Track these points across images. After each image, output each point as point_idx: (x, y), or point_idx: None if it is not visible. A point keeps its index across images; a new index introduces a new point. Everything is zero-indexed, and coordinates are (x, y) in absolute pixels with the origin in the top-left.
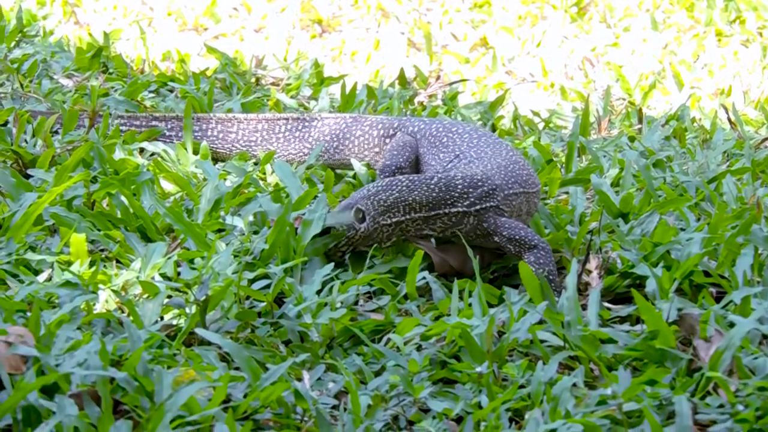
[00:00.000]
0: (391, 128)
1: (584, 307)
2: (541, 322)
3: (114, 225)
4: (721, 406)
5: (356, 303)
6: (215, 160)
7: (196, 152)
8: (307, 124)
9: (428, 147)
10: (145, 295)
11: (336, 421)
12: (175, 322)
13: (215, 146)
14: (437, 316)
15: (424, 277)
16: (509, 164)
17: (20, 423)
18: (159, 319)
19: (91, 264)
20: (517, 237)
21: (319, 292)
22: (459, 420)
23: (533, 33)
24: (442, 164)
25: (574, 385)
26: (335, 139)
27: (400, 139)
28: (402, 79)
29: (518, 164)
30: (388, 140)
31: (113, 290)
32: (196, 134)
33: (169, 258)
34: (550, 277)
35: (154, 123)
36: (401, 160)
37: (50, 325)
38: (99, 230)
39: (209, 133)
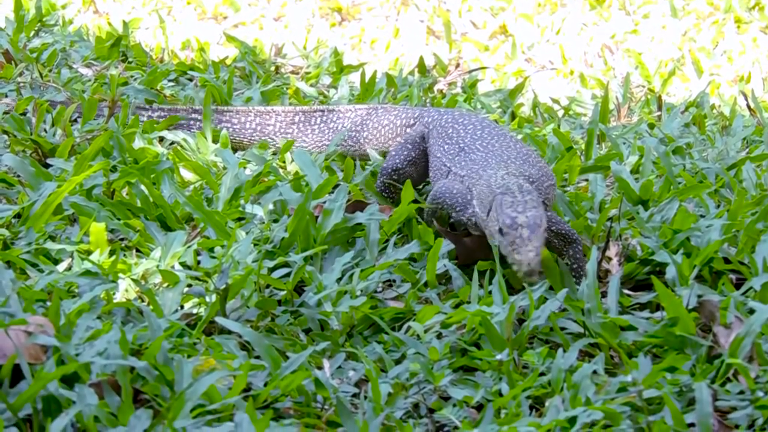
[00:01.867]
0: (412, 118)
1: (604, 295)
2: (561, 309)
3: (134, 214)
4: (741, 392)
5: (376, 291)
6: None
7: (215, 141)
8: (341, 115)
9: (436, 138)
10: (165, 284)
11: (356, 409)
12: (195, 310)
13: (253, 138)
14: (457, 304)
15: (444, 265)
16: (532, 156)
17: (40, 413)
18: (179, 308)
19: (111, 253)
20: (562, 231)
21: (339, 280)
22: (479, 407)
23: (552, 20)
24: (447, 156)
25: (595, 372)
26: (363, 128)
27: (405, 137)
28: (421, 67)
29: (536, 156)
30: (408, 130)
31: (133, 279)
32: (234, 126)
33: (189, 247)
34: (581, 272)
35: (194, 116)
36: (398, 161)
37: (70, 314)
38: (119, 219)
39: (247, 126)
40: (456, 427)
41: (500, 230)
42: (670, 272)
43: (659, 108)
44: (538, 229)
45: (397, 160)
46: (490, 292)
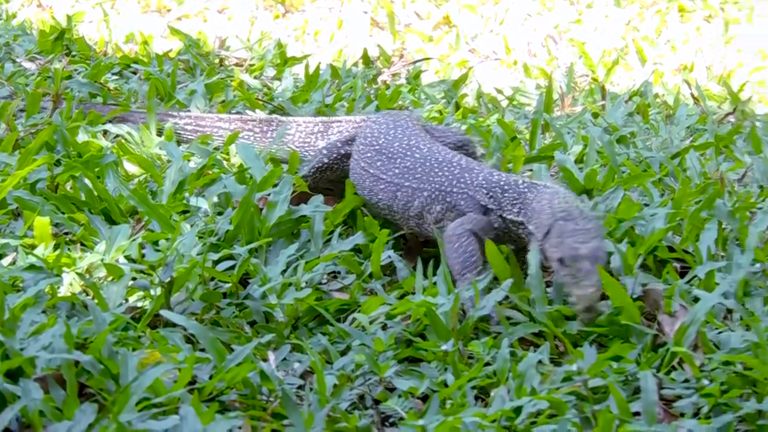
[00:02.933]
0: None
1: (548, 285)
2: (506, 299)
3: (78, 208)
4: (687, 381)
5: (321, 282)
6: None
7: (159, 134)
8: (355, 125)
9: (359, 146)
10: (110, 278)
11: (302, 401)
12: (139, 304)
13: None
14: (402, 295)
15: (389, 256)
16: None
17: None
18: (124, 301)
19: (56, 247)
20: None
21: (283, 273)
22: (425, 398)
23: (496, 11)
24: (361, 155)
25: (540, 362)
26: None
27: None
28: (365, 58)
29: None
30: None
31: (78, 273)
32: (256, 136)
33: (133, 240)
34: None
35: (218, 124)
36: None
37: (14, 308)
38: (63, 213)
39: (268, 135)
40: (401, 418)
41: (560, 260)
42: (615, 261)
43: (603, 97)
44: (599, 261)
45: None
46: (434, 283)
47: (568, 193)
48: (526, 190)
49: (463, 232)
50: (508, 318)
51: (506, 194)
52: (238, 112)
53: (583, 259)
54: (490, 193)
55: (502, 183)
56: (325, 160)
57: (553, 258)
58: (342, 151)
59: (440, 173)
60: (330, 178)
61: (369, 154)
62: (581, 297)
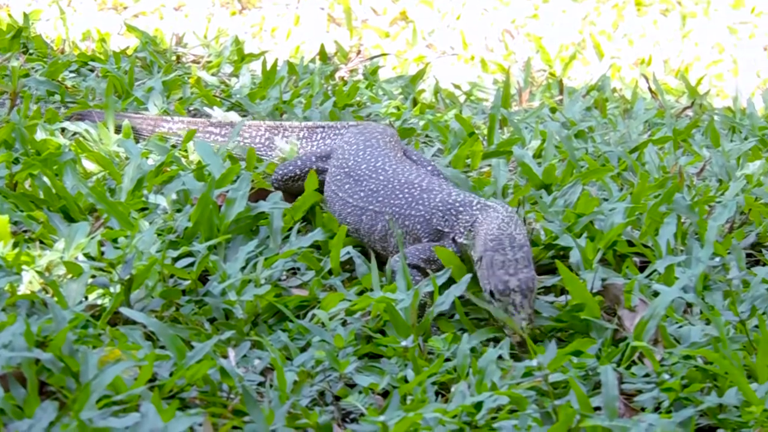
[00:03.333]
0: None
1: None
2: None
3: (37, 206)
4: (647, 375)
5: (280, 279)
6: None
7: (118, 131)
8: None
9: (331, 168)
10: (69, 276)
11: (262, 397)
12: (99, 301)
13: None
14: (361, 291)
15: (348, 252)
16: None
17: None
18: (83, 299)
19: (15, 245)
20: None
21: (243, 269)
22: (385, 394)
23: (453, 6)
24: (332, 177)
25: (500, 357)
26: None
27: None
28: (323, 54)
29: None
30: None
31: (37, 271)
32: (246, 140)
33: (92, 238)
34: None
35: (210, 129)
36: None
37: None
38: (22, 211)
39: (257, 140)
40: (362, 414)
41: (491, 293)
42: (574, 256)
43: (561, 92)
44: (531, 293)
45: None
46: (393, 279)
47: (508, 215)
48: (477, 212)
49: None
50: (467, 314)
51: (460, 216)
52: (195, 109)
53: (513, 292)
54: (446, 216)
55: (457, 204)
56: (297, 171)
57: (485, 289)
58: (314, 166)
59: (401, 195)
60: (299, 188)
61: (339, 177)
62: (513, 329)
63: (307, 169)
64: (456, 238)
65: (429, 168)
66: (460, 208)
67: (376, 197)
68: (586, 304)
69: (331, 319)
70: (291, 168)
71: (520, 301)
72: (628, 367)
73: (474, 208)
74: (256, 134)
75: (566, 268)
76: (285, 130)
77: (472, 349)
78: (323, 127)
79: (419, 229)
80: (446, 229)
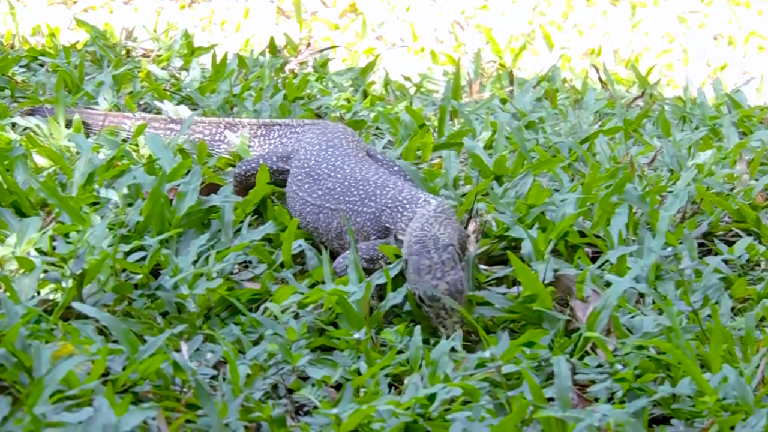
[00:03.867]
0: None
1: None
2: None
3: None
4: (600, 365)
5: (232, 272)
6: None
7: (68, 126)
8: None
9: (293, 170)
10: (21, 271)
11: (215, 391)
12: (51, 296)
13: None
14: (313, 284)
15: (299, 245)
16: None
17: None
18: (35, 294)
19: None
20: None
21: (195, 263)
22: (338, 387)
23: None
24: (293, 178)
25: (453, 349)
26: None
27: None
28: (272, 47)
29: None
30: None
31: None
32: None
33: (44, 233)
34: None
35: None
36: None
37: None
38: None
39: (217, 138)
40: (315, 407)
41: (420, 299)
42: (526, 247)
43: (511, 83)
44: (460, 296)
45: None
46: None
47: (435, 213)
48: (419, 208)
49: (344, 267)
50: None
51: (404, 213)
52: (146, 103)
53: (442, 296)
54: (392, 213)
55: (405, 201)
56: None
57: (414, 294)
58: (275, 167)
59: (355, 192)
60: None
61: (299, 177)
62: (446, 332)
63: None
64: (398, 236)
65: (395, 169)
66: (406, 205)
67: (332, 195)
68: (538, 295)
69: (283, 312)
70: (253, 166)
71: (450, 304)
72: (581, 358)
73: (418, 204)
74: (216, 131)
75: (518, 259)
76: (243, 126)
77: (425, 341)
78: (280, 125)
79: (369, 227)
80: (391, 226)
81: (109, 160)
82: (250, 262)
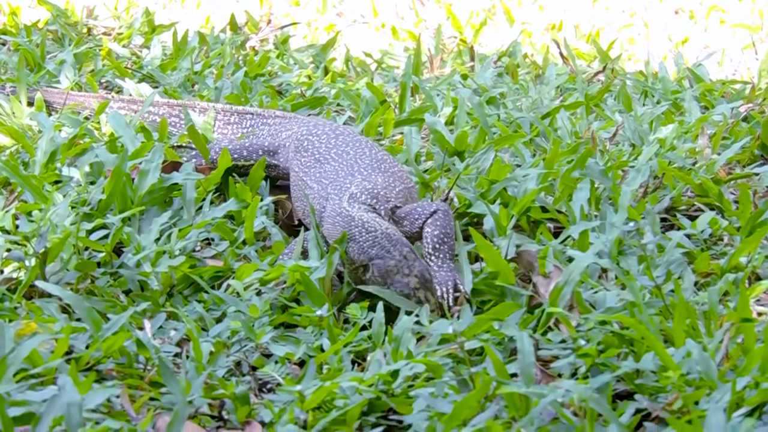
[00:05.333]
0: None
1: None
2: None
3: None
4: (563, 341)
5: (195, 250)
6: None
7: (30, 104)
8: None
9: (294, 152)
10: None
11: (179, 368)
12: (14, 275)
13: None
14: (275, 261)
15: (261, 223)
16: (384, 162)
17: None
18: None
19: None
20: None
21: (157, 241)
22: (302, 364)
23: None
24: (303, 169)
25: (418, 322)
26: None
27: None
28: (233, 24)
29: (389, 161)
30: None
31: None
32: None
33: (6, 211)
34: None
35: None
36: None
37: None
38: None
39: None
40: (279, 384)
41: (404, 294)
42: (488, 223)
43: (472, 59)
44: (430, 283)
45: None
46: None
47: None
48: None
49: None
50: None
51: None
52: (107, 82)
53: (417, 290)
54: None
55: (375, 191)
56: (241, 160)
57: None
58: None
59: (332, 175)
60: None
61: (308, 164)
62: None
63: (252, 160)
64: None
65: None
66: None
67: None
68: (501, 271)
69: (245, 289)
70: (236, 156)
71: (425, 294)
72: (543, 334)
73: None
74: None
75: (480, 235)
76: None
77: (387, 318)
78: (252, 114)
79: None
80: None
81: (71, 138)
82: (213, 239)
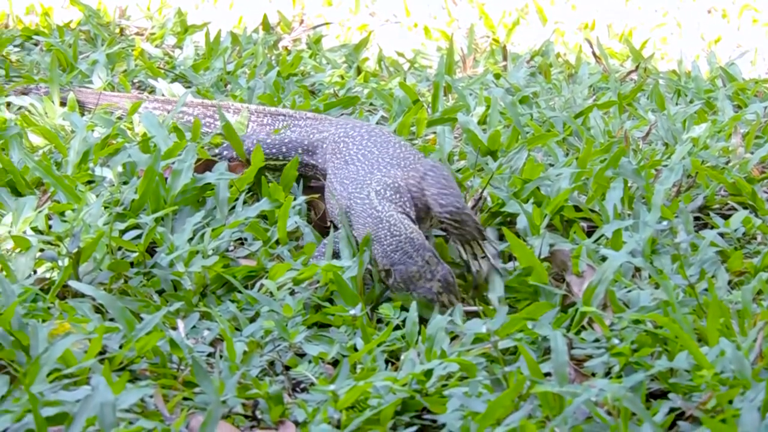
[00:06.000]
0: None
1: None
2: None
3: None
4: (597, 340)
5: (228, 250)
6: None
7: (62, 104)
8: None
9: (330, 153)
10: (17, 250)
11: (212, 368)
12: (48, 275)
13: None
14: (308, 260)
15: (295, 222)
16: (407, 159)
17: None
18: (32, 272)
19: None
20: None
21: (190, 240)
22: (335, 363)
23: None
24: (333, 171)
25: (452, 321)
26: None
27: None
28: (265, 24)
29: (413, 157)
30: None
31: None
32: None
33: (39, 211)
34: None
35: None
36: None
37: None
38: None
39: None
40: (312, 384)
41: (428, 299)
42: (521, 222)
43: (504, 58)
44: (454, 286)
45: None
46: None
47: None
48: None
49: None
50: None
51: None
52: (140, 82)
53: (440, 295)
54: (379, 196)
55: (396, 185)
56: (279, 156)
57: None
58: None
59: (353, 175)
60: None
61: (338, 166)
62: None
63: (290, 156)
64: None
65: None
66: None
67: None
68: (534, 269)
69: (279, 288)
70: (274, 151)
71: (449, 298)
72: (577, 333)
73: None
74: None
75: (513, 234)
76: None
77: (421, 317)
78: (284, 116)
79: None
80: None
81: (103, 138)
82: (246, 239)
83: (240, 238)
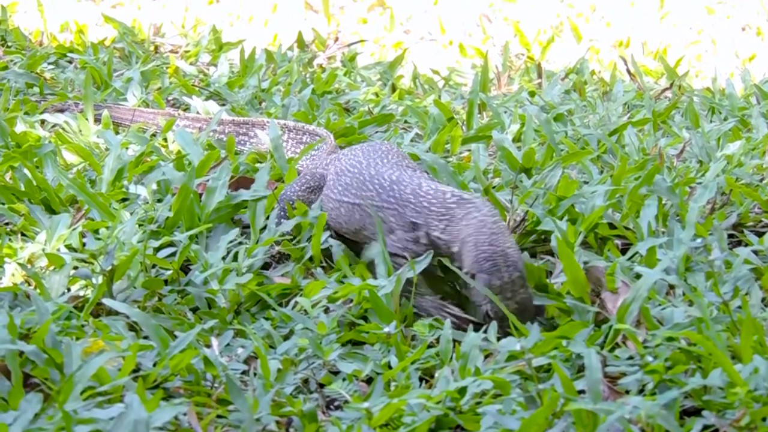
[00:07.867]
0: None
1: None
2: None
3: (18, 198)
4: (631, 357)
5: (262, 267)
6: None
7: (97, 122)
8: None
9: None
10: (51, 267)
11: (246, 386)
12: (82, 293)
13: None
14: (342, 278)
15: (327, 240)
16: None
17: None
18: (66, 290)
19: None
20: None
21: (224, 258)
22: (369, 381)
23: None
24: (334, 194)
25: (485, 339)
26: None
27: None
28: (300, 42)
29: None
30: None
31: (19, 263)
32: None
33: (73, 229)
34: None
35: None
36: (295, 189)
37: None
38: (3, 204)
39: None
40: (346, 401)
41: (487, 313)
42: (554, 240)
43: (539, 75)
44: (530, 314)
45: (295, 188)
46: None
47: (494, 222)
48: (453, 205)
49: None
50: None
51: (433, 209)
52: (174, 99)
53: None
54: (417, 208)
55: (429, 196)
56: (313, 183)
57: (481, 308)
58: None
59: (370, 187)
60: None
61: (331, 181)
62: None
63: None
64: (430, 231)
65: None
66: (432, 200)
67: (349, 189)
68: (576, 280)
69: (313, 306)
70: (308, 179)
71: (518, 321)
72: (611, 350)
73: (448, 200)
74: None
75: (562, 241)
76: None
77: (455, 334)
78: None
79: (393, 221)
80: (420, 221)
81: (138, 156)
82: (282, 254)
83: (274, 256)
